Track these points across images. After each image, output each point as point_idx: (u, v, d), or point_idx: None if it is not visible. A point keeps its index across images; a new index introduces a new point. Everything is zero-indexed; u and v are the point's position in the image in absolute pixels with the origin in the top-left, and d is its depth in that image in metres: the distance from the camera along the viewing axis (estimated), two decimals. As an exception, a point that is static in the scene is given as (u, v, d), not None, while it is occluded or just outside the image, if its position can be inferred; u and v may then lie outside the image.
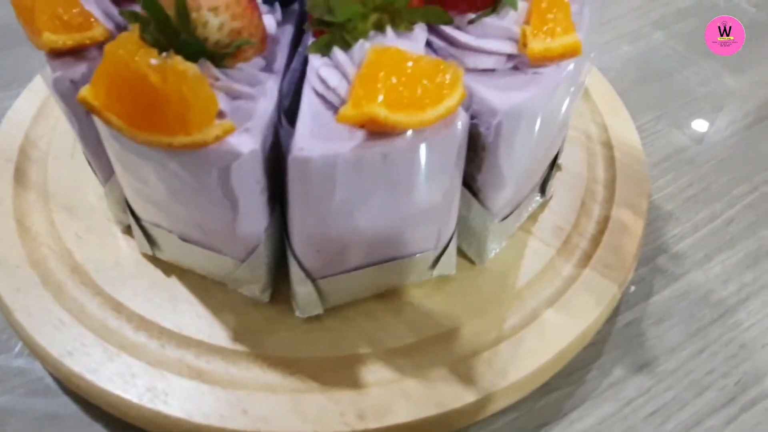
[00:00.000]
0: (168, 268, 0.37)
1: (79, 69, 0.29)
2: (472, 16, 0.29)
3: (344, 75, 0.26)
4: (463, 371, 0.33)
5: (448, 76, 0.27)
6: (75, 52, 0.29)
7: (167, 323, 0.34)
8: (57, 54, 0.29)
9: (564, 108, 0.34)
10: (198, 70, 0.23)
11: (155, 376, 0.32)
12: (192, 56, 0.25)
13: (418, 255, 0.34)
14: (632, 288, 0.42)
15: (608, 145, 0.46)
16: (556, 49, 0.28)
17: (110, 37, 0.30)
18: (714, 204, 0.48)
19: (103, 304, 0.35)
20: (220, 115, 0.26)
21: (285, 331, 0.34)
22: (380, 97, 0.24)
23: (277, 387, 0.32)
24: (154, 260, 0.37)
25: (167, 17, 0.24)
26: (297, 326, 0.34)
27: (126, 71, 0.24)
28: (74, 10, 0.29)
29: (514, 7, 0.28)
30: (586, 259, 0.39)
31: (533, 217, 0.41)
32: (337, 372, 0.33)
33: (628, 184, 0.43)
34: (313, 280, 0.32)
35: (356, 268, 0.33)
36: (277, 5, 0.32)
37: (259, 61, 0.28)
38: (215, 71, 0.25)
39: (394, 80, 0.25)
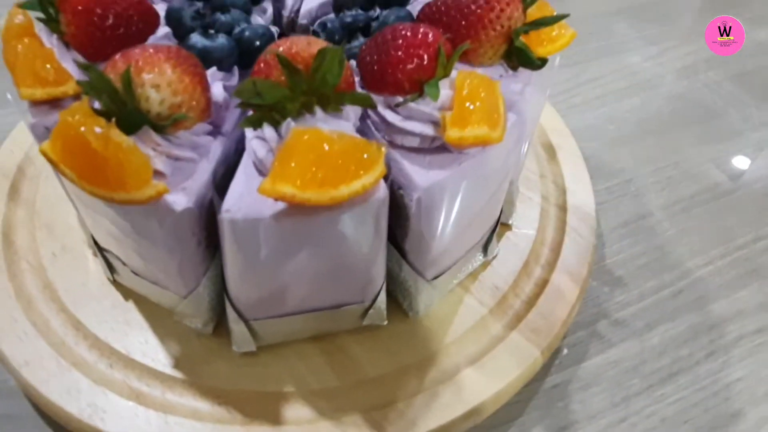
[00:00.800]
0: (127, 292, 0.41)
1: (53, 117, 0.33)
2: (400, 99, 0.32)
3: (270, 149, 0.29)
4: (376, 419, 0.35)
5: (366, 155, 0.30)
6: (51, 102, 0.33)
7: (117, 345, 0.38)
8: (35, 102, 0.33)
9: (496, 182, 0.37)
10: (131, 142, 0.27)
11: (98, 393, 0.36)
12: (136, 125, 0.28)
13: (345, 307, 0.36)
14: (565, 351, 0.44)
15: (563, 209, 0.48)
16: (469, 138, 0.30)
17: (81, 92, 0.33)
18: (665, 274, 0.50)
19: (65, 321, 0.39)
20: (160, 175, 0.30)
21: (221, 363, 0.37)
22: (293, 176, 0.27)
23: (204, 415, 0.35)
24: (117, 284, 0.41)
25: (115, 90, 0.28)
26: (233, 359, 0.38)
27: (75, 135, 0.27)
28: (49, 67, 0.32)
29: (434, 98, 0.30)
30: (517, 321, 0.41)
31: (474, 275, 0.43)
32: (260, 407, 0.36)
33: (574, 250, 0.45)
34: (246, 321, 0.35)
35: (287, 314, 0.36)
36: (235, 69, 0.36)
37: (204, 126, 0.32)
38: (156, 138, 0.29)
39: (309, 160, 0.28)
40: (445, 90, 0.31)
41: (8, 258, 0.42)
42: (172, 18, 0.36)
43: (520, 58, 0.35)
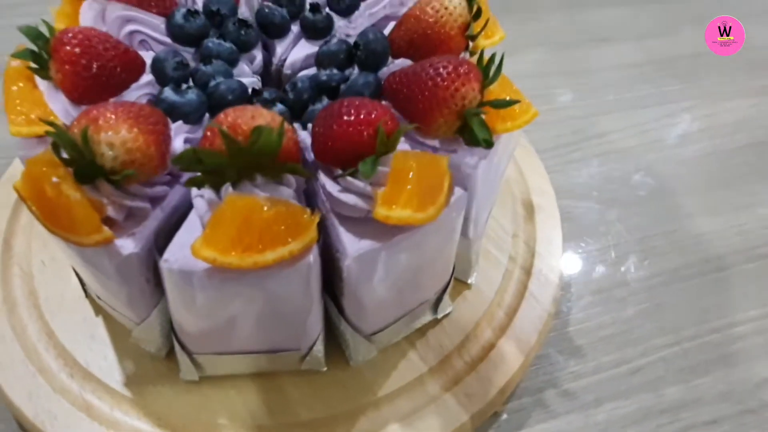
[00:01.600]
0: (98, 308, 0.44)
1: (37, 151, 0.37)
2: (340, 171, 0.33)
3: (208, 209, 0.32)
4: (298, 462, 0.37)
5: (297, 223, 0.32)
6: (37, 138, 0.37)
7: (80, 357, 0.41)
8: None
9: (434, 253, 0.38)
10: (79, 196, 0.30)
11: (54, 401, 0.39)
12: (92, 176, 0.31)
13: (282, 353, 0.39)
14: (505, 416, 0.44)
15: (528, 272, 0.49)
16: (394, 218, 0.31)
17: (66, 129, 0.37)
18: (627, 349, 0.49)
19: (40, 329, 0.43)
20: (112, 221, 0.33)
21: (167, 388, 0.40)
22: (217, 241, 0.30)
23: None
24: (91, 299, 0.45)
25: (75, 144, 0.31)
26: (178, 385, 0.40)
27: (35, 181, 0.31)
28: (34, 108, 0.36)
29: (366, 176, 0.32)
30: (454, 383, 0.42)
31: (423, 330, 0.45)
32: (186, 434, 0.38)
33: (529, 317, 0.46)
34: (189, 354, 0.38)
35: (226, 353, 0.38)
36: (205, 120, 0.38)
37: (162, 177, 0.34)
38: (110, 189, 0.32)
39: (236, 226, 0.30)
40: (382, 167, 0.33)
41: (5, 262, 0.47)
42: (156, 67, 0.39)
43: (468, 136, 0.36)
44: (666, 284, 0.54)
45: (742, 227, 0.59)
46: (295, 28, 0.47)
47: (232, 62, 0.43)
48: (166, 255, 0.32)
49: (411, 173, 0.32)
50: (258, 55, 0.46)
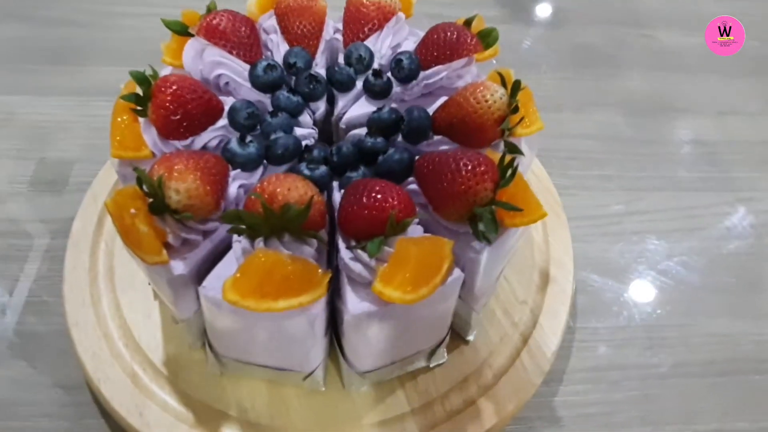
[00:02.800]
0: (156, 295, 0.54)
1: (129, 171, 0.46)
2: (353, 242, 0.40)
3: (242, 255, 0.39)
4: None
5: (310, 280, 0.38)
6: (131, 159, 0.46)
7: (135, 331, 0.51)
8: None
9: (427, 322, 0.43)
10: (146, 229, 0.38)
11: (109, 363, 0.49)
12: (160, 210, 0.40)
13: (289, 371, 0.46)
14: (472, 465, 0.50)
15: (525, 341, 0.53)
16: (386, 296, 0.37)
17: (153, 156, 0.45)
18: (604, 431, 0.52)
19: (111, 301, 0.53)
20: (169, 246, 0.41)
21: (195, 374, 0.49)
22: (240, 286, 0.37)
23: (169, 409, 0.47)
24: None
25: (152, 184, 0.39)
26: (203, 375, 0.49)
27: (120, 207, 0.39)
28: (131, 137, 0.45)
29: (371, 255, 0.38)
30: (430, 428, 0.47)
31: (414, 374, 0.50)
32: (207, 418, 0.47)
33: (513, 384, 0.50)
34: (215, 354, 0.47)
35: (244, 361, 0.46)
36: (259, 170, 0.45)
37: (216, 215, 0.42)
38: (173, 222, 0.40)
39: (258, 275, 0.37)
40: (388, 248, 0.39)
41: (95, 238, 0.57)
42: (231, 115, 0.47)
43: (474, 228, 0.41)
44: (663, 377, 0.56)
45: (761, 336, 0.59)
46: (359, 83, 0.53)
47: (298, 112, 0.50)
48: (206, 283, 0.40)
49: (410, 258, 0.38)
50: (321, 106, 0.52)
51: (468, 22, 0.53)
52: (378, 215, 0.39)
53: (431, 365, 0.50)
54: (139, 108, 0.44)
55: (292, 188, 0.39)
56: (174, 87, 0.44)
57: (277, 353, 0.44)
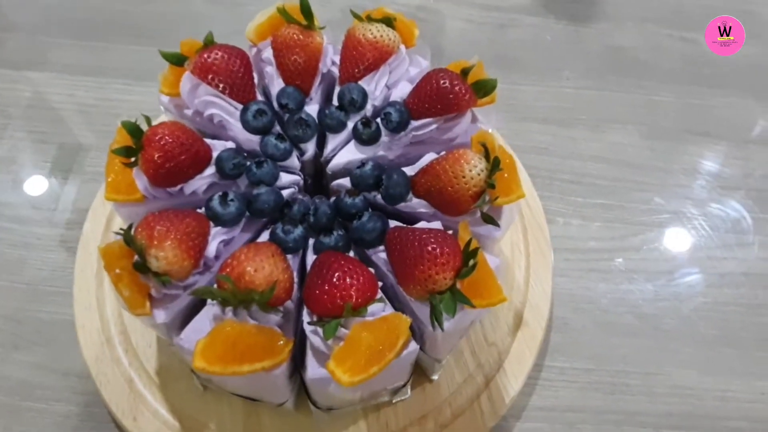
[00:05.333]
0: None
1: (122, 208, 0.49)
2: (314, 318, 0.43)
3: (213, 319, 0.43)
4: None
5: (272, 347, 0.42)
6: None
7: (133, 339, 0.57)
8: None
9: (388, 377, 0.47)
10: (128, 293, 0.42)
11: (109, 367, 0.56)
12: (143, 270, 0.43)
13: (260, 401, 0.51)
14: (422, 489, 0.55)
15: (487, 383, 0.56)
16: (338, 378, 0.40)
17: (144, 200, 0.48)
18: (551, 471, 0.57)
19: (114, 306, 0.59)
20: (153, 298, 0.45)
21: (183, 386, 0.55)
22: (206, 353, 0.41)
23: (159, 416, 0.54)
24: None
25: (136, 247, 0.42)
26: (192, 387, 0.55)
27: (108, 260, 0.43)
28: (124, 181, 0.48)
29: (326, 337, 0.41)
30: (385, 459, 0.53)
31: (377, 406, 0.55)
32: (183, 425, 0.53)
33: (468, 426, 0.54)
34: (199, 377, 0.52)
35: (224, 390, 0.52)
36: (241, 224, 0.48)
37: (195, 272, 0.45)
38: (153, 281, 0.43)
39: (223, 343, 0.41)
40: (344, 329, 0.42)
41: (104, 241, 0.62)
42: (218, 165, 0.48)
43: (431, 311, 0.43)
44: (617, 424, 0.59)
45: (726, 394, 0.61)
46: (351, 123, 0.54)
47: (285, 158, 0.51)
48: (182, 335, 0.44)
49: (362, 343, 0.41)
50: (311, 148, 0.53)
51: (465, 72, 0.52)
52: (336, 300, 0.41)
53: (394, 401, 0.55)
54: (131, 160, 0.47)
55: (258, 269, 0.41)
56: (163, 141, 0.46)
57: (248, 391, 0.49)
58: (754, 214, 0.71)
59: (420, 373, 0.56)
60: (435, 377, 0.56)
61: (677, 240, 0.69)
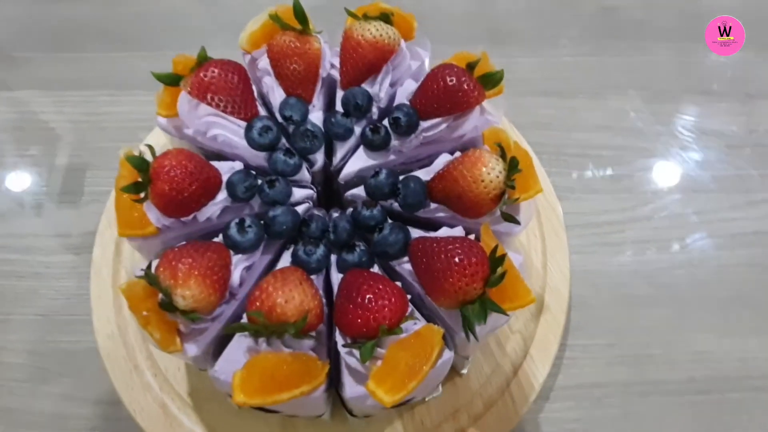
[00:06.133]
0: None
1: (138, 243, 0.48)
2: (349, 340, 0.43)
3: (247, 351, 0.43)
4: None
5: (309, 372, 0.42)
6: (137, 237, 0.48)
7: (161, 363, 0.57)
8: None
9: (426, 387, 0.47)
10: (159, 336, 0.42)
11: (141, 394, 0.56)
12: (170, 309, 0.43)
13: (299, 417, 0.52)
14: (460, 478, 0.57)
15: (515, 372, 0.57)
16: (380, 398, 0.41)
17: (158, 232, 0.47)
18: (582, 447, 0.59)
19: (137, 332, 0.58)
20: (182, 333, 0.44)
21: (217, 406, 0.55)
22: (245, 387, 0.41)
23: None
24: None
25: (161, 289, 0.42)
26: (225, 406, 0.55)
27: (132, 302, 0.42)
28: (135, 215, 0.46)
29: (363, 360, 0.41)
30: (424, 455, 0.54)
31: (410, 406, 0.56)
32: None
33: (500, 415, 0.55)
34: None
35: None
36: (260, 248, 0.47)
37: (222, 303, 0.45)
38: (181, 319, 0.43)
39: (261, 375, 0.41)
40: (381, 349, 0.42)
41: (115, 266, 0.61)
42: (229, 189, 0.47)
43: (462, 319, 0.43)
44: (643, 395, 0.61)
45: (746, 354, 0.62)
46: (358, 129, 0.52)
47: (295, 173, 0.50)
48: (217, 367, 0.44)
49: (400, 362, 0.41)
50: (320, 158, 0.52)
51: (471, 66, 0.50)
52: (370, 323, 0.41)
53: (427, 399, 0.56)
54: (140, 196, 0.45)
55: (288, 299, 0.41)
56: (172, 173, 0.44)
57: (286, 410, 0.49)
58: (762, 170, 0.71)
59: (449, 370, 0.56)
60: (464, 371, 0.57)
61: (687, 204, 0.70)
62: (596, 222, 0.68)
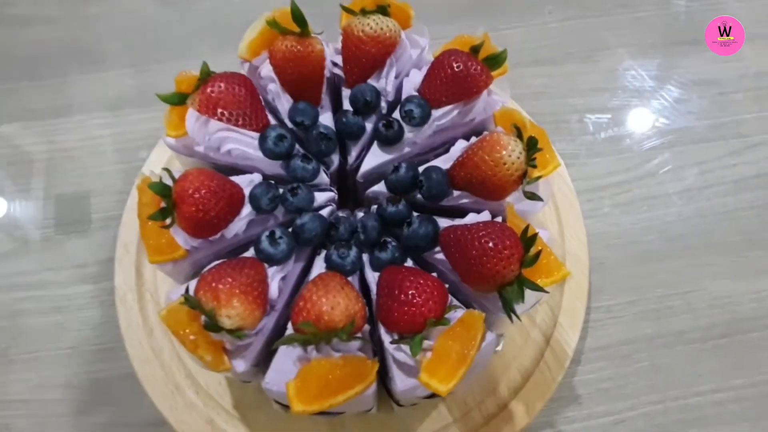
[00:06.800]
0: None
1: (167, 267, 0.48)
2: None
3: (297, 360, 0.43)
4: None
5: (360, 372, 0.43)
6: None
7: (201, 380, 0.57)
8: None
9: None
10: (210, 358, 0.42)
11: (186, 413, 0.56)
12: (216, 330, 0.43)
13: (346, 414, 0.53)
14: (507, 449, 0.59)
15: (547, 341, 0.59)
16: (434, 387, 0.42)
17: (187, 255, 0.47)
18: (618, 403, 0.61)
19: (171, 351, 0.58)
20: (229, 351, 0.45)
21: (262, 414, 0.56)
22: (302, 396, 0.42)
23: (248, 445, 0.55)
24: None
25: (204, 312, 0.42)
26: (271, 413, 0.54)
27: (177, 328, 0.43)
28: (162, 240, 0.46)
29: (414, 354, 0.42)
30: (472, 432, 0.56)
31: (452, 387, 0.57)
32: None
33: (538, 384, 0.57)
34: (278, 403, 0.53)
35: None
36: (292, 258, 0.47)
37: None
38: (227, 338, 0.43)
39: (314, 383, 0.42)
40: (428, 341, 0.43)
41: (138, 289, 0.61)
42: (253, 203, 0.47)
43: (501, 302, 0.44)
44: (668, 346, 0.63)
45: (761, 294, 0.64)
46: (369, 125, 0.52)
47: (315, 176, 0.50)
48: (267, 379, 0.45)
49: (450, 352, 0.42)
50: (335, 159, 0.52)
51: (475, 50, 0.50)
52: (416, 318, 0.42)
53: (466, 379, 0.57)
54: (167, 222, 0.45)
55: (334, 305, 0.41)
56: (197, 195, 0.44)
57: (337, 410, 0.50)
58: (755, 113, 0.73)
59: (484, 346, 0.58)
60: (499, 348, 0.58)
61: (687, 156, 0.71)
62: (603, 185, 0.70)
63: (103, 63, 0.76)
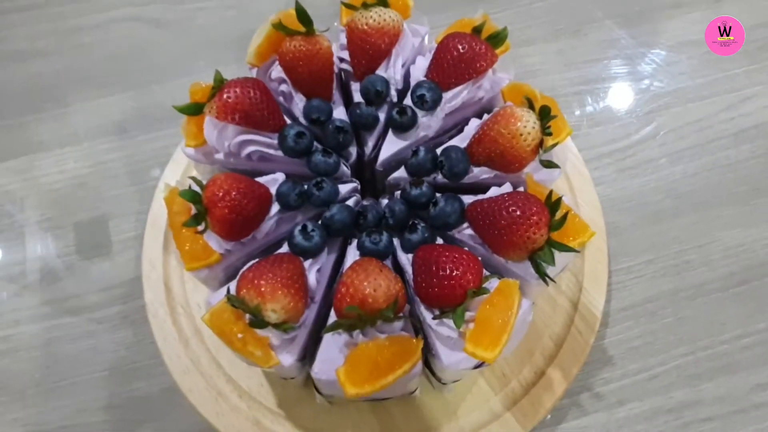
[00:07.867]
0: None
1: (202, 273, 0.49)
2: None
3: (344, 346, 0.44)
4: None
5: (406, 350, 0.44)
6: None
7: (242, 383, 0.58)
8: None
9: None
10: (260, 353, 0.43)
11: (232, 417, 0.57)
12: (262, 326, 0.44)
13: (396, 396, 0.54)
14: (549, 416, 0.60)
15: (575, 306, 0.60)
16: (481, 356, 0.43)
17: (222, 259, 0.48)
18: (650, 359, 0.62)
19: (210, 360, 0.59)
20: (275, 345, 0.46)
21: (307, 408, 0.57)
22: (354, 379, 0.43)
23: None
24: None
25: (250, 310, 0.43)
26: (315, 407, 0.57)
27: (223, 328, 0.44)
28: (196, 247, 0.47)
29: (457, 326, 0.43)
30: (513, 403, 0.57)
31: (489, 361, 0.58)
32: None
33: (572, 348, 0.59)
34: (322, 395, 0.54)
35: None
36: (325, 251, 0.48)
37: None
38: (273, 332, 0.44)
39: (364, 365, 0.43)
40: (470, 312, 0.44)
41: (170, 303, 0.62)
42: (281, 200, 0.48)
43: (534, 267, 0.45)
44: (690, 298, 0.64)
45: (773, 239, 0.67)
46: (382, 115, 0.54)
47: (336, 169, 0.51)
48: (316, 368, 0.46)
49: (492, 319, 0.43)
50: (353, 151, 0.53)
51: (478, 30, 0.52)
52: (456, 291, 0.43)
53: (503, 352, 0.58)
54: (201, 228, 0.46)
55: (376, 287, 0.42)
56: (228, 197, 0.45)
57: (385, 394, 0.51)
58: (746, 67, 0.75)
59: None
60: (529, 318, 0.60)
61: (685, 115, 0.73)
62: (607, 152, 0.71)
63: (103, 89, 0.77)
